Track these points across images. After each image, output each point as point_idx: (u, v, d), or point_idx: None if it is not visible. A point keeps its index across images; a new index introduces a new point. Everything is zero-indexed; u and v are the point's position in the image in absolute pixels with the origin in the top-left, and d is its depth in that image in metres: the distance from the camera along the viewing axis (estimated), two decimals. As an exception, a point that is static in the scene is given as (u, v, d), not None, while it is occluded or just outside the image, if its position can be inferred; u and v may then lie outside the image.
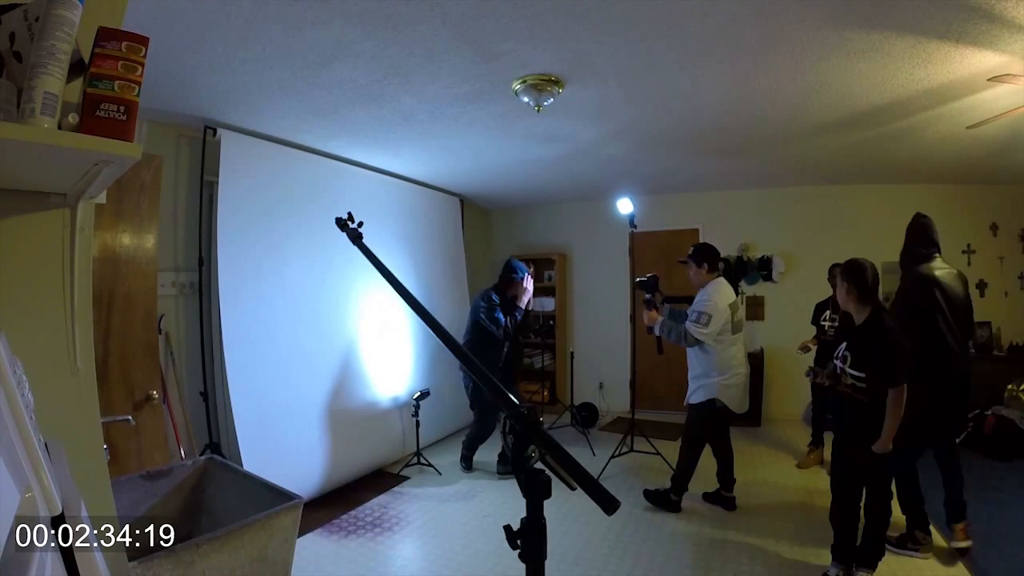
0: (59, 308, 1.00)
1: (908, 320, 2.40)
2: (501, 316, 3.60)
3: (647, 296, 3.20)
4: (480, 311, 3.61)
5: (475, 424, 3.85)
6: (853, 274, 2.20)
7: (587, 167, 4.21)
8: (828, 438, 3.71)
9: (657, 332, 3.13)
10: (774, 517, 2.99)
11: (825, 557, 2.52)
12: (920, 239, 2.59)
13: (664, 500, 3.11)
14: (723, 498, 3.16)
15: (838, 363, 2.26)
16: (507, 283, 3.71)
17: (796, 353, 4.09)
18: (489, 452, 3.90)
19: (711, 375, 2.98)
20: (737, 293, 3.11)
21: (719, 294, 2.98)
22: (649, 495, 3.15)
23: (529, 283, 3.72)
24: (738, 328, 3.05)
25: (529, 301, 3.77)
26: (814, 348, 3.85)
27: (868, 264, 2.21)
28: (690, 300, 3.11)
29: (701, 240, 5.33)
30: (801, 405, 4.65)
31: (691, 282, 3.11)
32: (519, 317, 3.69)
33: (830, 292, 3.81)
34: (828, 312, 3.74)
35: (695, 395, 3.06)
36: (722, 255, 3.14)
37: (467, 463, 3.86)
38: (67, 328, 1.00)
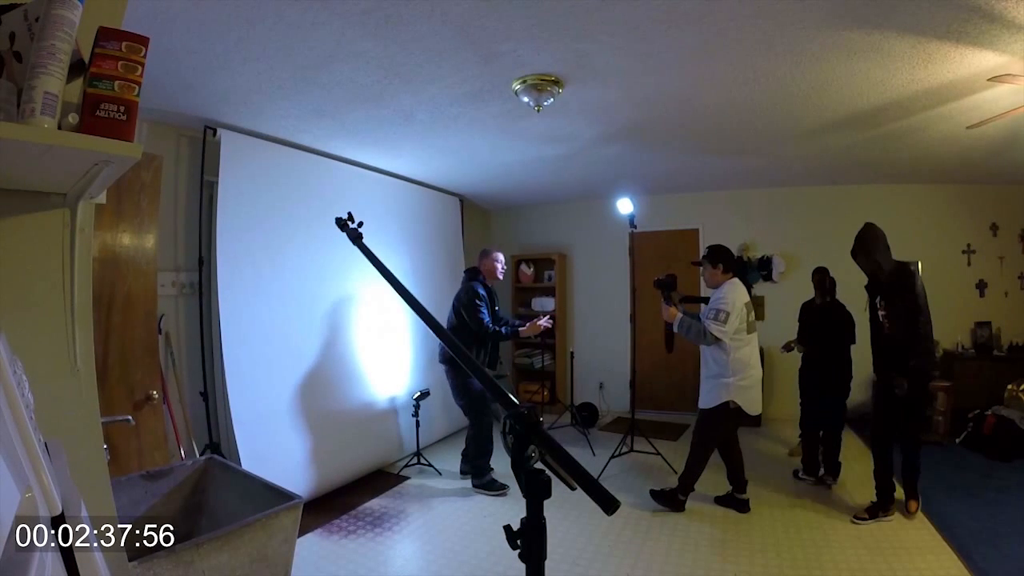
0: (59, 308, 0.99)
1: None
2: (486, 314, 3.38)
3: (665, 294, 3.19)
4: (460, 303, 3.41)
5: (472, 428, 3.50)
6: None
7: (587, 167, 4.21)
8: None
9: (676, 329, 3.10)
10: (774, 516, 2.99)
11: (824, 557, 2.53)
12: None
13: (671, 500, 3.09)
14: (736, 500, 3.13)
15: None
16: (481, 264, 3.60)
17: (794, 352, 4.15)
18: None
19: (726, 376, 2.96)
20: (751, 295, 3.14)
21: (735, 293, 2.98)
22: (656, 495, 3.13)
23: (498, 254, 3.63)
24: (752, 328, 3.05)
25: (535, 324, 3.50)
26: (797, 347, 4.02)
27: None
28: (704, 300, 3.12)
29: (700, 240, 5.38)
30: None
31: (706, 283, 3.13)
32: (506, 332, 3.45)
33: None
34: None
35: (709, 397, 3.03)
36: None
37: (487, 481, 3.41)
38: (67, 328, 1.00)
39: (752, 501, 3.18)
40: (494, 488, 3.40)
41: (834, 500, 3.20)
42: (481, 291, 3.46)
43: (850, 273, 3.80)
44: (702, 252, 5.26)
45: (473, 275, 3.58)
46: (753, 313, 3.08)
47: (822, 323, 3.57)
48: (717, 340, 2.93)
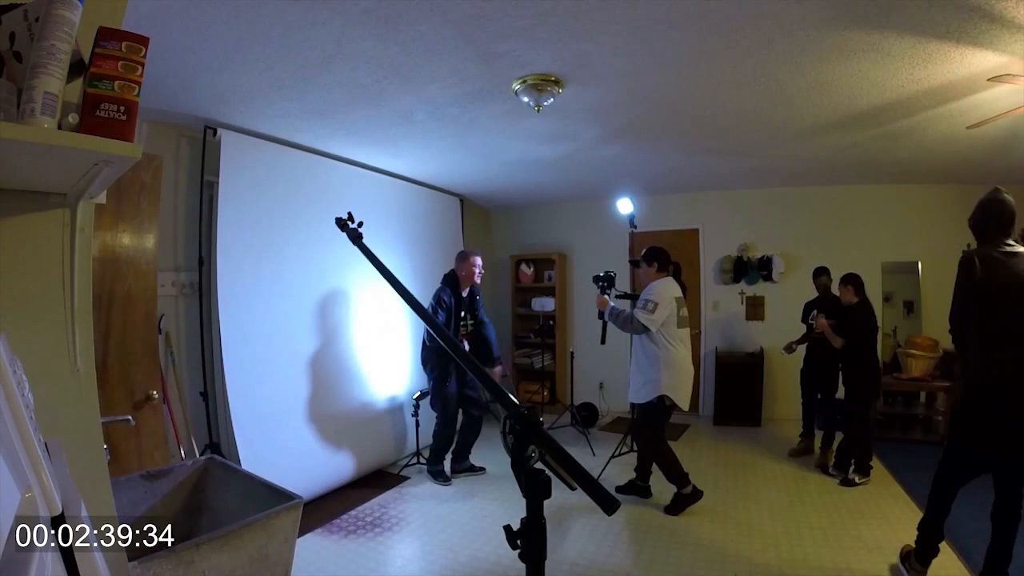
0: (59, 308, 0.99)
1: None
2: (443, 314, 3.50)
3: (601, 285, 3.36)
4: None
5: (437, 423, 3.64)
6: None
7: (587, 167, 4.21)
8: (819, 435, 3.86)
9: (606, 316, 3.27)
10: (774, 517, 2.99)
11: (825, 557, 2.52)
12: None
13: (682, 501, 3.07)
14: (639, 488, 3.28)
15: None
16: (459, 268, 3.66)
17: (796, 353, 4.15)
18: (492, 453, 3.90)
19: (657, 371, 3.05)
20: (683, 291, 3.34)
21: (664, 287, 3.13)
22: (669, 508, 3.08)
23: (476, 258, 3.69)
24: (683, 323, 3.16)
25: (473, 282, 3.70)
26: (799, 348, 4.10)
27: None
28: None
29: (700, 240, 5.38)
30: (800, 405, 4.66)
31: (641, 282, 3.27)
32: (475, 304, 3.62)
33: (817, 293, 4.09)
34: (815, 311, 3.88)
35: (641, 392, 3.11)
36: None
37: (437, 470, 3.63)
38: (67, 328, 1.00)
39: (753, 501, 3.19)
40: (439, 479, 3.60)
41: (836, 501, 3.20)
42: (446, 297, 3.55)
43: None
44: (703, 252, 5.33)
45: (448, 280, 3.64)
46: (685, 309, 3.21)
47: (856, 323, 3.53)
48: (645, 329, 3.05)
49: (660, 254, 3.24)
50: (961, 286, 2.07)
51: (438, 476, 3.63)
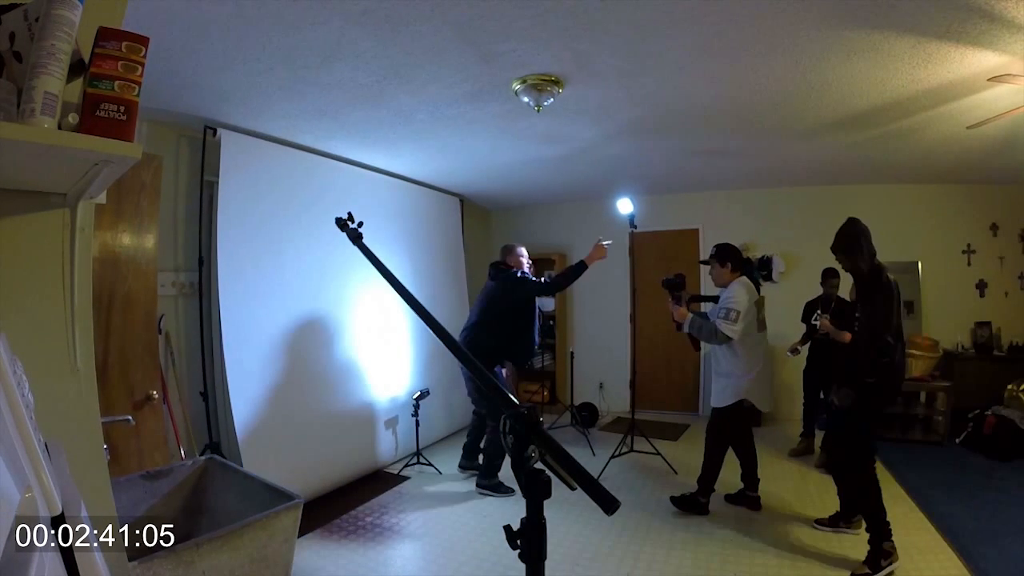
0: (59, 308, 0.99)
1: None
2: (535, 280, 3.45)
3: (674, 294, 3.19)
4: (500, 294, 3.41)
5: (488, 429, 3.49)
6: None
7: (587, 167, 4.21)
8: (819, 435, 3.86)
9: (687, 329, 3.10)
10: (773, 517, 2.99)
11: (824, 557, 2.52)
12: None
13: (692, 504, 3.05)
14: (748, 498, 3.14)
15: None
16: (508, 259, 3.60)
17: (796, 355, 4.15)
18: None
19: (738, 374, 2.97)
20: (759, 293, 3.15)
21: (745, 291, 2.99)
22: (676, 501, 3.08)
23: (521, 248, 3.66)
24: (762, 326, 3.08)
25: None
26: (803, 349, 4.07)
27: None
28: (714, 299, 3.14)
29: (700, 240, 5.38)
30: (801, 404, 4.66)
31: (714, 281, 3.14)
32: (573, 273, 3.43)
33: (820, 291, 4.04)
34: (819, 311, 3.86)
35: (722, 396, 3.03)
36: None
37: (495, 483, 3.40)
38: (67, 328, 1.00)
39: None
40: (501, 490, 3.38)
41: (836, 500, 3.19)
42: (525, 274, 3.50)
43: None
44: (702, 252, 5.32)
45: (503, 268, 3.54)
46: (763, 311, 3.11)
47: (849, 315, 3.53)
48: (728, 340, 2.94)
49: (733, 252, 3.08)
50: (896, 297, 2.46)
51: (498, 489, 3.38)
